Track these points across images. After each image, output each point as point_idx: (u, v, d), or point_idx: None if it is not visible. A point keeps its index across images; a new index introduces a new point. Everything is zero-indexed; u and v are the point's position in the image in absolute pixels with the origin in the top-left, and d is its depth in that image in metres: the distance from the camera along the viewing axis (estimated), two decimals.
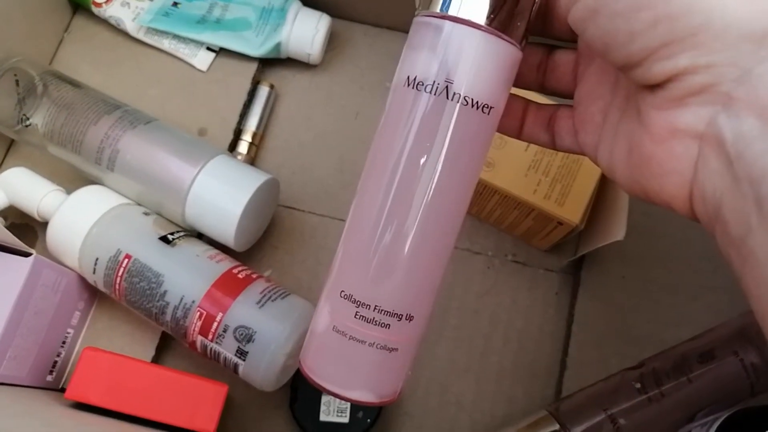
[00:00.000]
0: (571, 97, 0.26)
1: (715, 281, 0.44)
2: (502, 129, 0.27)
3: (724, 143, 0.17)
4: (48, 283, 0.37)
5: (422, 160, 0.23)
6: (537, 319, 0.44)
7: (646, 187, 0.21)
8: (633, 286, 0.44)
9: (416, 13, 0.24)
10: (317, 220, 0.46)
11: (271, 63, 0.49)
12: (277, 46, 0.47)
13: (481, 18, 0.22)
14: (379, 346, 0.24)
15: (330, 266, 0.25)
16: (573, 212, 0.39)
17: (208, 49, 0.48)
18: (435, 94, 0.22)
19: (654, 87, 0.19)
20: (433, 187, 0.23)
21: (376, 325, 0.24)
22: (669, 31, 0.17)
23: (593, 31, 0.19)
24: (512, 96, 0.27)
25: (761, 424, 0.35)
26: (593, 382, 0.40)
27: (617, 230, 0.36)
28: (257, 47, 0.46)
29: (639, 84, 0.20)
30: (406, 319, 0.24)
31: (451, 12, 0.22)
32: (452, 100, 0.22)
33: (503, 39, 0.23)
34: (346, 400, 0.25)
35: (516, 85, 0.26)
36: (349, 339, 0.24)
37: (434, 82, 0.22)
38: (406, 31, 0.24)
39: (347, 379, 0.24)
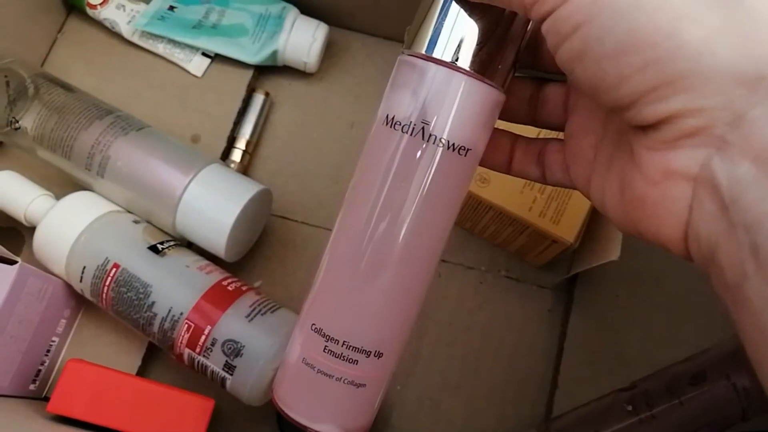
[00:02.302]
0: (562, 129, 0.25)
1: (708, 302, 0.43)
2: (490, 165, 0.27)
3: (719, 187, 0.17)
4: (33, 292, 0.36)
5: (396, 201, 0.23)
6: (529, 336, 0.44)
7: (640, 227, 0.20)
8: (626, 305, 0.44)
9: (402, 49, 0.24)
10: (310, 231, 0.45)
11: (267, 70, 0.48)
12: (274, 53, 0.46)
13: (464, 62, 0.22)
14: (346, 381, 0.24)
15: (306, 297, 0.25)
16: (568, 231, 0.39)
17: (204, 54, 0.47)
18: (411, 135, 0.22)
19: (646, 128, 0.18)
20: (406, 228, 0.23)
21: (344, 360, 0.24)
22: (658, 75, 0.17)
23: (580, 73, 0.19)
24: (500, 132, 0.26)
25: None
26: (584, 401, 0.40)
27: (612, 250, 0.36)
28: (253, 54, 0.46)
29: (630, 125, 0.19)
30: (374, 356, 0.24)
31: (435, 54, 0.22)
32: (428, 141, 0.22)
33: (485, 83, 0.22)
34: None
35: (507, 118, 0.26)
36: (317, 372, 0.24)
37: (411, 123, 0.22)
38: (404, 42, 0.24)
39: (315, 412, 0.25)
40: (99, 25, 0.48)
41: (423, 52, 0.22)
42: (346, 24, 0.49)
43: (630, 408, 0.38)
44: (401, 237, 0.23)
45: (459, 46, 0.22)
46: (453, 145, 0.22)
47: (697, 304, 0.43)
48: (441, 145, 0.22)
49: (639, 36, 0.17)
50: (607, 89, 0.18)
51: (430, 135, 0.22)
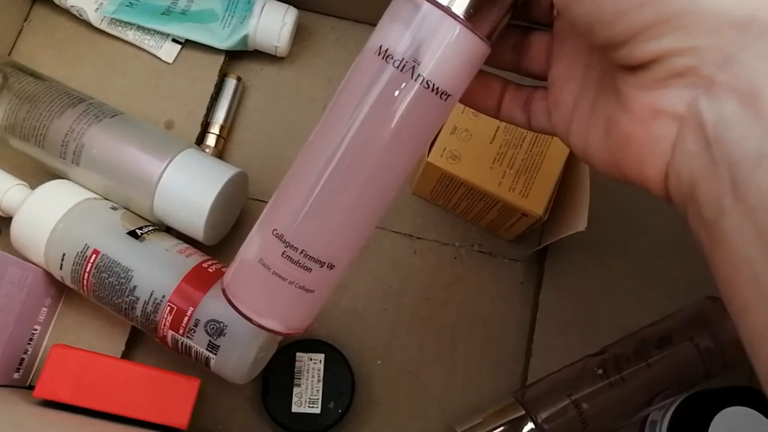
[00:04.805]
0: (545, 79, 0.26)
1: (672, 269, 0.45)
2: (481, 108, 0.28)
3: (704, 126, 0.18)
4: (13, 281, 0.36)
5: (371, 128, 0.24)
6: (503, 308, 0.45)
7: (623, 167, 0.21)
8: (595, 274, 0.46)
9: None
10: None
11: (238, 55, 0.49)
12: (244, 38, 0.46)
13: (460, 9, 0.23)
14: (298, 286, 0.25)
15: (269, 200, 0.27)
16: (536, 204, 0.40)
17: (174, 40, 0.47)
18: (400, 70, 0.23)
19: (635, 68, 0.19)
20: (375, 156, 0.24)
21: (299, 266, 0.25)
22: (655, 11, 0.17)
23: (576, 10, 0.19)
24: (492, 76, 0.27)
25: (714, 407, 0.37)
26: (558, 368, 0.41)
27: (579, 221, 0.37)
28: (224, 39, 0.46)
29: (620, 65, 0.20)
30: (327, 267, 0.26)
31: None
32: (415, 80, 0.23)
33: (476, 35, 0.23)
34: (259, 326, 0.26)
35: (493, 65, 0.27)
36: (273, 274, 0.25)
37: (402, 59, 0.23)
38: (374, 24, 0.25)
39: (264, 308, 0.26)
40: (66, 12, 0.47)
41: None
42: (316, 7, 0.50)
43: (601, 372, 0.39)
44: (369, 163, 0.24)
45: None
46: (437, 88, 0.23)
47: (661, 271, 0.45)
48: (427, 86, 0.23)
49: None
50: (602, 26, 0.19)
51: (419, 75, 0.23)
